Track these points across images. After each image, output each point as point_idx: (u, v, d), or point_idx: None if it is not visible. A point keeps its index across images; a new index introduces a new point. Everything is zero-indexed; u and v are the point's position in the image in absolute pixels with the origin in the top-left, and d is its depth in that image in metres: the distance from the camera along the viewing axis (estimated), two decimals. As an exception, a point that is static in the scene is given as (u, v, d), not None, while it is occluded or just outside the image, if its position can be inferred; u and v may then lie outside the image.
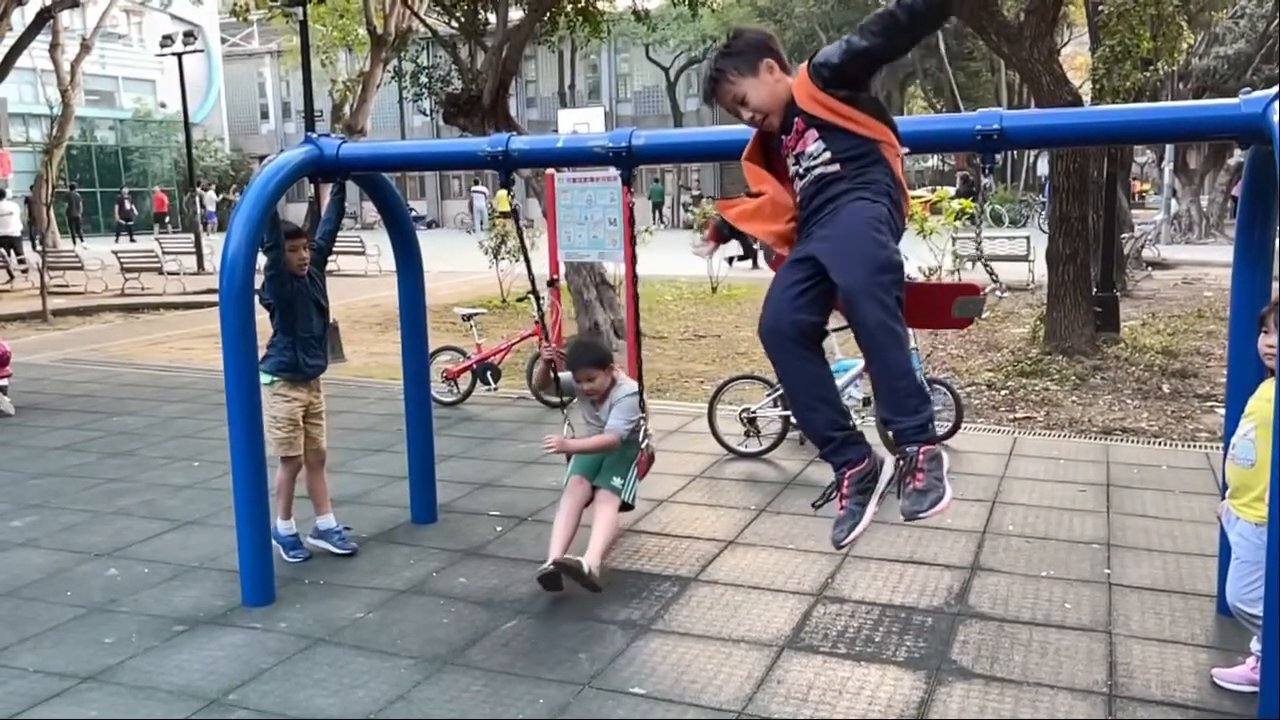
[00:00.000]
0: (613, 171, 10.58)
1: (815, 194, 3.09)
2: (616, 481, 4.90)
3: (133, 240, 32.35)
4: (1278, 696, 3.19)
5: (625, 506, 4.97)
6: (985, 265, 3.98)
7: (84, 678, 3.92)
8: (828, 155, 3.07)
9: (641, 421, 4.95)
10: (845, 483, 3.04)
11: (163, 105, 44.00)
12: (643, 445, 5.02)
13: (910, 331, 7.26)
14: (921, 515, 2.91)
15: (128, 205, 36.70)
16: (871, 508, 3.01)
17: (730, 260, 17.03)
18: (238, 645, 4.19)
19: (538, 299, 5.17)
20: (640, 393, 4.95)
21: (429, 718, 3.59)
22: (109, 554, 5.28)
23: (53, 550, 5.36)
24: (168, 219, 39.45)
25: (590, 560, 4.51)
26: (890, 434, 3.02)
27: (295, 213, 20.63)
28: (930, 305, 4.00)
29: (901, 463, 2.96)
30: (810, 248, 3.04)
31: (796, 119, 3.11)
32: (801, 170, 3.13)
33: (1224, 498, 3.73)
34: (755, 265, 19.27)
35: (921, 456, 2.92)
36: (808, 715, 3.57)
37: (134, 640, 4.25)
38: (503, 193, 4.87)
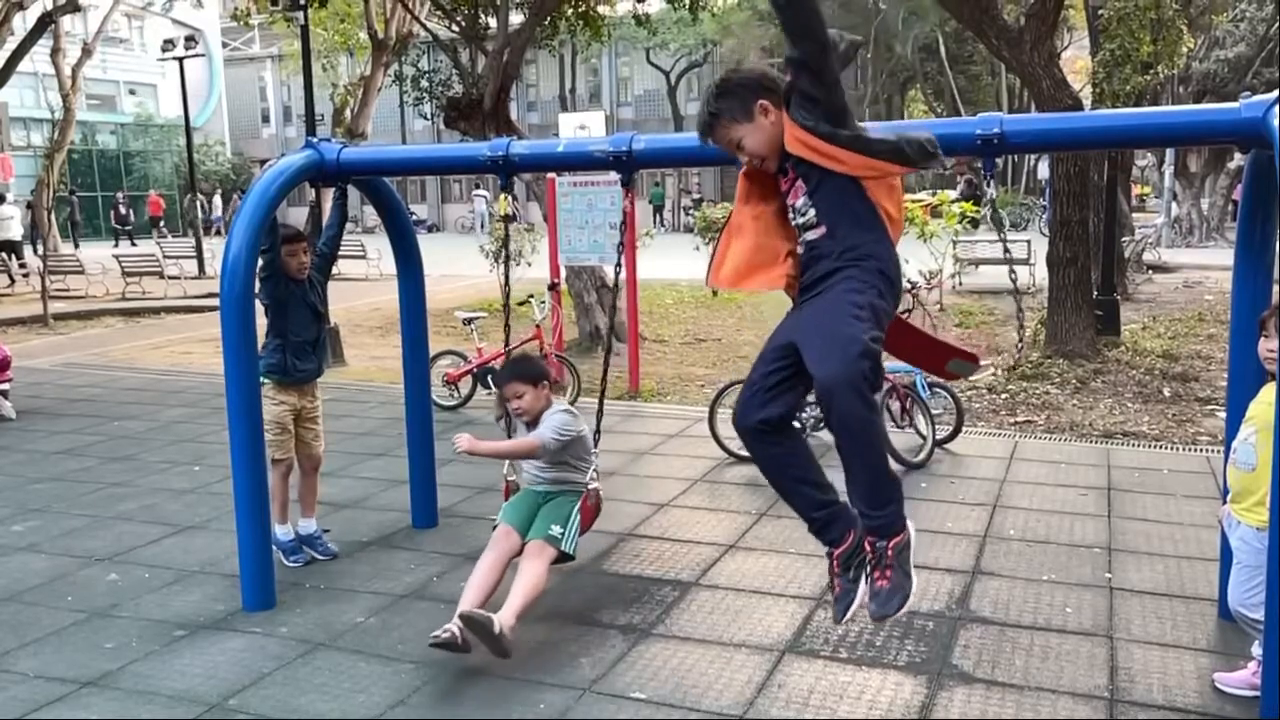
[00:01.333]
0: (613, 175, 10.61)
1: (808, 265, 3.07)
2: (555, 530, 4.33)
3: (133, 244, 32.37)
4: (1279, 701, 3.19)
5: (564, 557, 4.39)
6: (1010, 271, 3.95)
7: (84, 683, 3.92)
8: (813, 215, 3.03)
9: (591, 459, 4.56)
10: (835, 564, 3.07)
11: (153, 118, 44.02)
12: (590, 487, 4.53)
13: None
14: (890, 617, 2.94)
15: (123, 209, 36.74)
16: (863, 585, 3.01)
17: None
18: (238, 650, 4.19)
19: (506, 310, 5.16)
20: (596, 430, 4.61)
21: (429, 723, 3.59)
22: (110, 559, 5.28)
23: (53, 555, 5.36)
24: (163, 223, 39.41)
25: (504, 619, 3.86)
26: (861, 521, 3.03)
27: (296, 217, 20.66)
28: (928, 353, 4.03)
29: (871, 556, 2.96)
30: (792, 334, 3.02)
31: (788, 164, 3.08)
32: (797, 225, 3.11)
33: (1225, 502, 3.73)
34: None
35: (891, 551, 2.93)
36: (809, 719, 3.57)
37: (134, 645, 4.25)
38: (504, 197, 4.88)
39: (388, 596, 4.72)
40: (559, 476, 4.55)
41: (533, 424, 4.49)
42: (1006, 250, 3.96)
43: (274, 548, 4.96)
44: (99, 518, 5.97)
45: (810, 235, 3.06)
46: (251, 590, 4.61)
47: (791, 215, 3.13)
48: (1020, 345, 4.05)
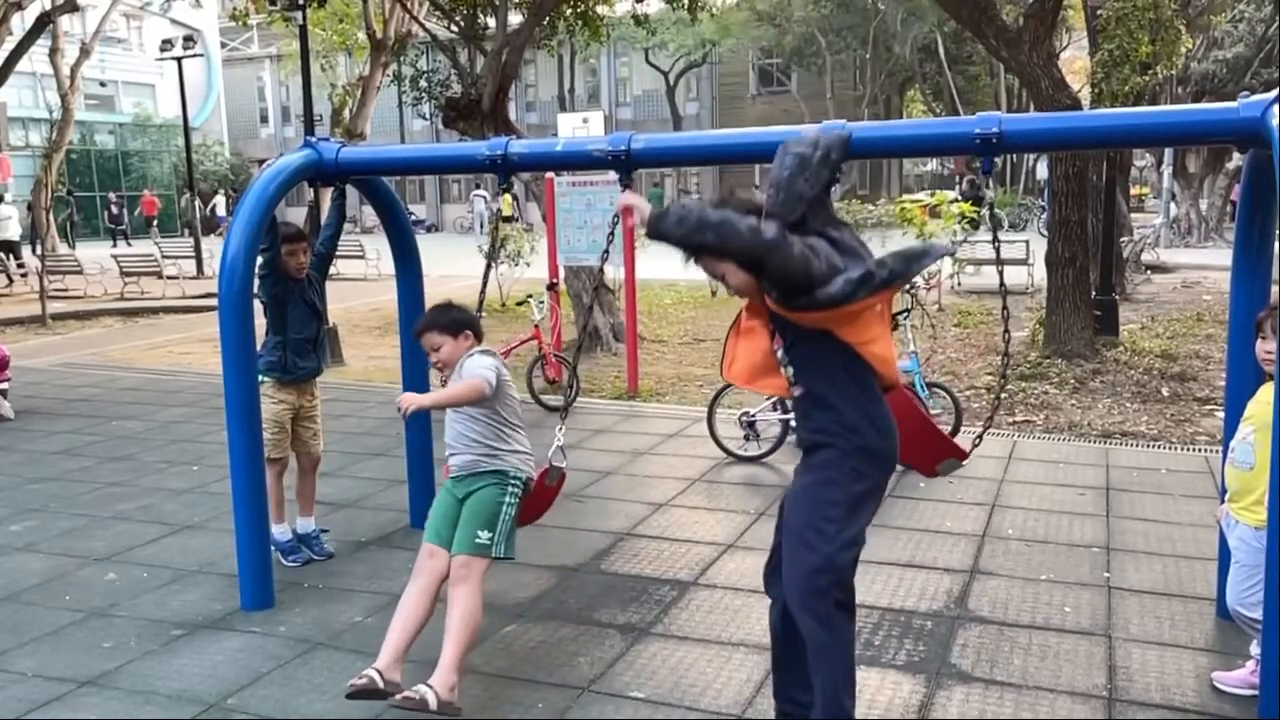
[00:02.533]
0: (612, 175, 10.59)
1: (798, 418, 3.16)
2: (482, 536, 3.68)
3: (128, 244, 32.27)
4: (1278, 700, 3.19)
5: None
6: (999, 275, 3.94)
7: (82, 682, 3.91)
8: (792, 373, 3.07)
9: (521, 427, 3.97)
10: None
11: (152, 118, 43.93)
12: (553, 465, 4.11)
13: (909, 335, 7.27)
14: None
15: (115, 210, 36.71)
16: None
17: None
18: (236, 650, 4.18)
19: (479, 308, 5.13)
20: (568, 401, 4.36)
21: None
22: (108, 558, 5.27)
23: (51, 555, 5.35)
24: (157, 223, 39.32)
25: (440, 684, 3.40)
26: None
27: (295, 217, 20.62)
28: (920, 448, 4.04)
29: None
30: (783, 518, 3.15)
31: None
32: (784, 372, 3.14)
33: (1223, 501, 3.73)
34: None
35: None
36: (807, 719, 3.56)
37: (132, 645, 4.24)
38: (506, 197, 4.88)
39: (386, 596, 4.71)
40: (487, 451, 3.84)
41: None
42: (998, 255, 3.95)
43: (272, 548, 4.95)
44: (97, 517, 5.96)
45: (795, 390, 3.09)
46: (250, 590, 4.60)
47: (779, 359, 3.13)
48: (1005, 359, 4.02)
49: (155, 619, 4.50)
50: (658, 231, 2.88)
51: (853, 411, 2.98)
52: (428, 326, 3.95)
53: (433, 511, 3.88)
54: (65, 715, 3.67)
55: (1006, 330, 3.85)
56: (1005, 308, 3.81)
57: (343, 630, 4.35)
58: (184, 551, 5.37)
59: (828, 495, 2.95)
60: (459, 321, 3.93)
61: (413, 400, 3.74)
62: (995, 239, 3.94)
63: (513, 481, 3.85)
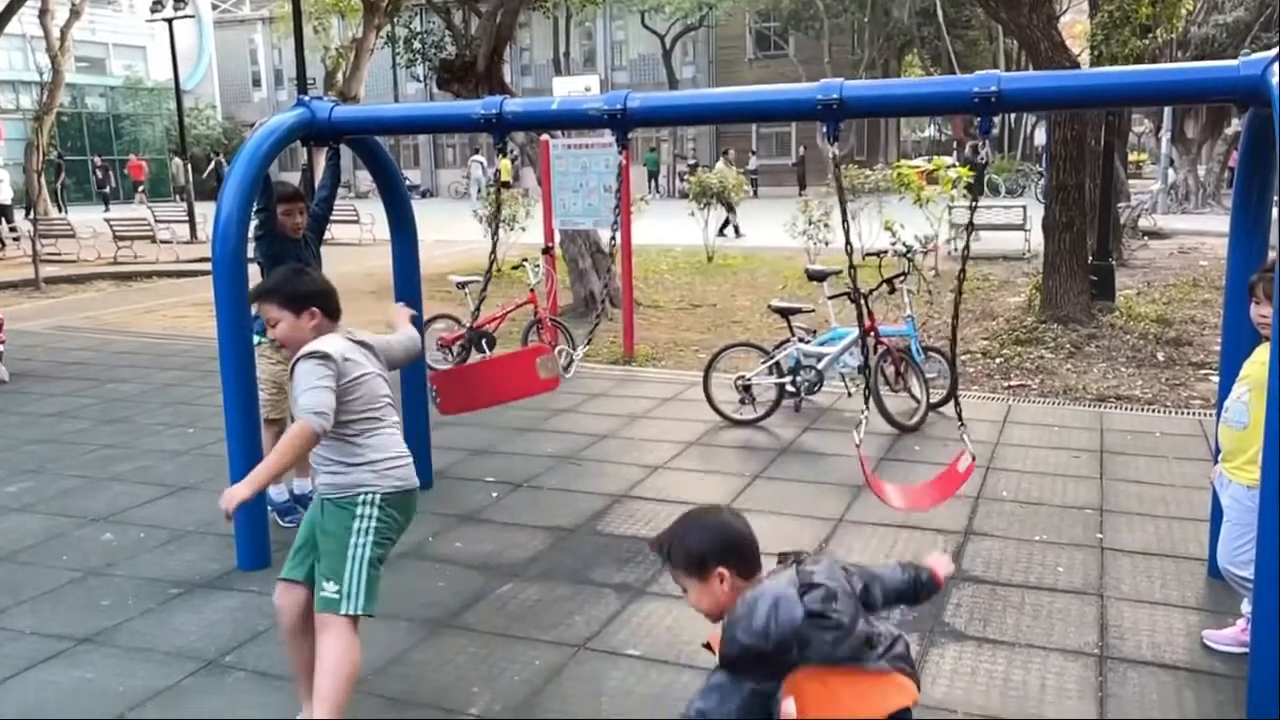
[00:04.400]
0: (608, 138, 10.49)
1: None
2: (328, 588, 3.01)
3: (107, 209, 31.90)
4: (1275, 655, 3.21)
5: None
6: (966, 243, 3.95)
7: (81, 639, 3.93)
8: None
9: (390, 415, 3.25)
10: None
11: (143, 81, 43.39)
12: (550, 359, 3.71)
13: (907, 299, 7.29)
14: None
15: (100, 175, 36.40)
16: None
17: (722, 230, 17.06)
18: (233, 608, 4.20)
19: (474, 283, 5.19)
20: (594, 325, 4.34)
21: (426, 675, 3.60)
22: (105, 519, 5.28)
23: (49, 515, 5.37)
24: (143, 188, 39.00)
25: None
26: None
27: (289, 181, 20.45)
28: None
29: None
30: None
31: None
32: None
33: (1216, 462, 3.75)
34: (738, 235, 19.39)
35: None
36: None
37: (130, 603, 4.26)
38: (504, 162, 4.85)
39: (383, 556, 4.73)
40: (332, 471, 3.11)
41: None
42: (971, 225, 3.93)
43: (268, 508, 4.96)
44: (94, 479, 5.97)
45: None
46: (246, 550, 4.62)
47: None
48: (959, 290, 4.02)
49: (153, 578, 4.52)
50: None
51: None
52: (264, 295, 3.25)
53: (300, 531, 3.26)
54: (65, 672, 3.70)
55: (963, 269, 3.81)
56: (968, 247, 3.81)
57: (340, 589, 4.36)
58: (181, 512, 5.38)
59: None
60: (304, 295, 3.20)
61: (234, 497, 2.88)
62: (974, 202, 3.91)
63: (362, 505, 3.07)
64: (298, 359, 3.09)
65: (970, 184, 14.92)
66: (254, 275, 4.57)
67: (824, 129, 4.02)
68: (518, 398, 5.16)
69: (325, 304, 3.24)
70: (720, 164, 25.67)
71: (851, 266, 4.52)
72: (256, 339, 4.90)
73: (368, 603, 3.05)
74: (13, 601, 4.30)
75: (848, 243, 4.29)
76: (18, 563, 4.74)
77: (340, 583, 3.01)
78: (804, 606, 2.28)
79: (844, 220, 4.27)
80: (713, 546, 2.40)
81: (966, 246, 3.87)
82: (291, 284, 3.22)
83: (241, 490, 2.90)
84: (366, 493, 3.08)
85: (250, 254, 4.61)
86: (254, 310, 3.18)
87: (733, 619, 2.32)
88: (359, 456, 3.10)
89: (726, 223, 18.98)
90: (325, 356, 3.05)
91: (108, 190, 35.92)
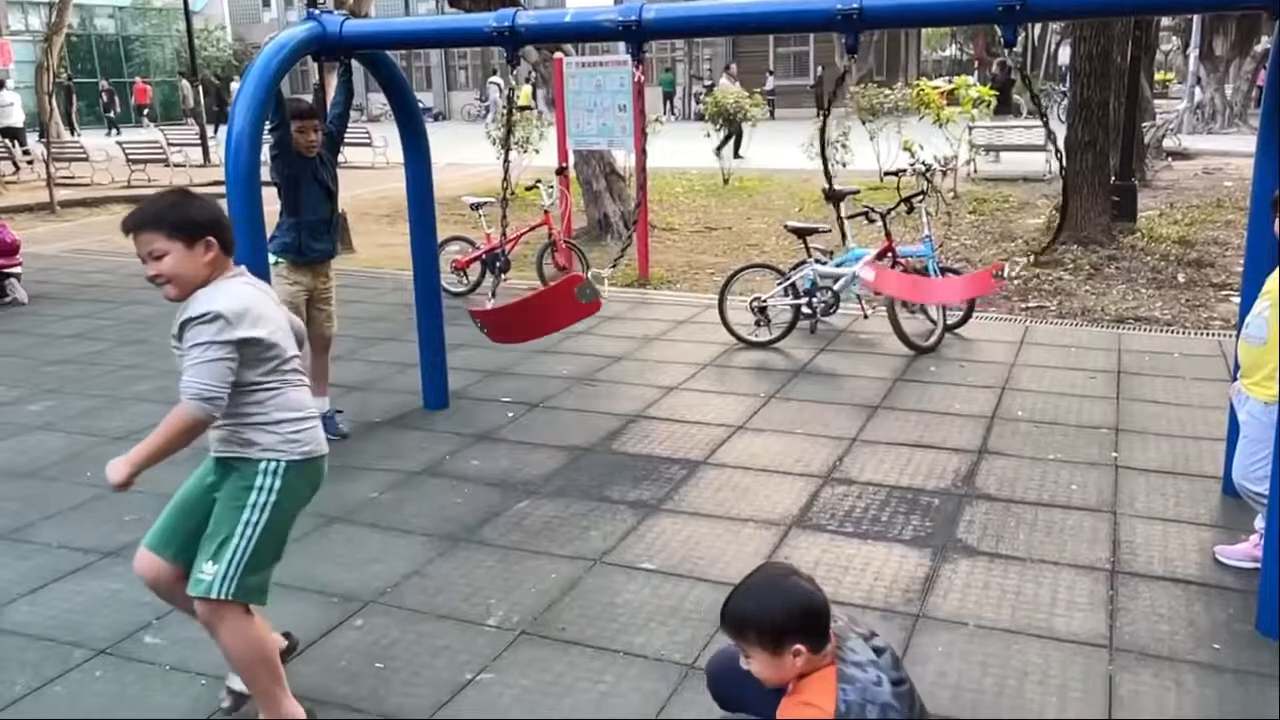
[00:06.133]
0: (622, 55, 10.32)
1: None
2: (205, 571, 2.62)
3: (117, 133, 31.66)
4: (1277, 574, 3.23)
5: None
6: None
7: (106, 553, 4.01)
8: None
9: (295, 363, 2.80)
10: None
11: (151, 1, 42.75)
12: (589, 283, 3.65)
13: (925, 219, 7.22)
14: None
15: (105, 97, 36.09)
16: None
17: (719, 149, 16.66)
18: (255, 523, 4.26)
19: (504, 200, 5.21)
20: (626, 240, 4.20)
21: (444, 587, 3.67)
22: (126, 437, 5.35)
23: (71, 433, 5.44)
24: (145, 111, 38.67)
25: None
26: None
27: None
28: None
29: None
30: None
31: None
32: None
33: (1235, 379, 3.73)
34: (736, 156, 18.63)
35: None
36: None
37: (152, 518, 4.29)
38: (526, 87, 4.78)
39: (400, 474, 4.79)
40: (232, 429, 2.72)
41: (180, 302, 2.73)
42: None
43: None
44: (114, 398, 6.03)
45: None
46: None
47: None
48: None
49: (173, 493, 4.57)
50: None
51: None
52: (144, 223, 2.63)
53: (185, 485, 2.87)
54: (91, 583, 3.78)
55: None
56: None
57: (359, 506, 4.43)
58: (201, 431, 5.43)
59: None
60: (198, 222, 2.64)
61: (115, 476, 2.57)
62: (1018, 101, 3.83)
63: (262, 475, 2.67)
64: (189, 317, 2.61)
65: (989, 103, 14.65)
66: (270, 196, 4.56)
67: (843, 41, 3.93)
68: (563, 326, 5.41)
69: (222, 235, 2.69)
70: (724, 80, 25.02)
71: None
72: (273, 258, 4.90)
73: (239, 589, 2.61)
74: (40, 516, 4.39)
75: (823, 152, 4.17)
76: (43, 479, 4.82)
77: (218, 562, 2.61)
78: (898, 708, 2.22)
79: (822, 134, 4.13)
80: (793, 622, 2.26)
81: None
82: (181, 208, 2.65)
83: (122, 469, 2.56)
84: (269, 460, 2.68)
85: (266, 176, 4.58)
86: (136, 241, 2.65)
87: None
88: (263, 415, 2.68)
89: (726, 140, 17.99)
90: (225, 320, 2.59)
91: (113, 114, 35.61)
